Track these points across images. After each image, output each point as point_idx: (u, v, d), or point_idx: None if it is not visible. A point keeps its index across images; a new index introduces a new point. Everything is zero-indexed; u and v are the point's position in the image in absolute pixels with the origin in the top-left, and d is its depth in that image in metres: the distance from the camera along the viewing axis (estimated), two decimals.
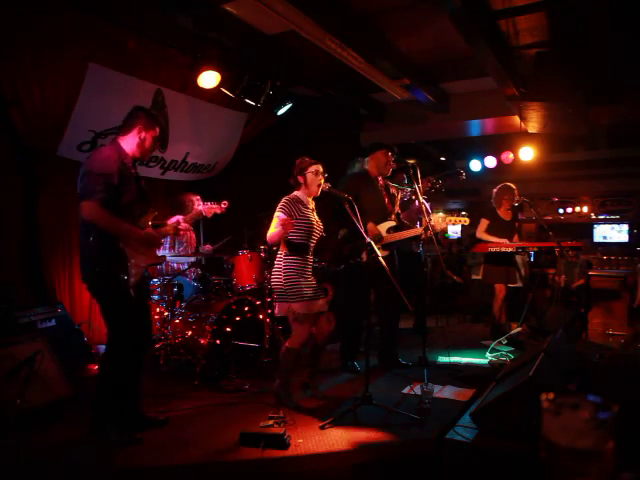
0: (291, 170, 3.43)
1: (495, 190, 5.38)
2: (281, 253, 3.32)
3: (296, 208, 3.27)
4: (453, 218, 4.22)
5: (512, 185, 5.31)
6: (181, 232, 3.11)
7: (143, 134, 2.85)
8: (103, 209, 2.62)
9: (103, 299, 2.79)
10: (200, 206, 3.27)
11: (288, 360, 3.28)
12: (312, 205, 3.44)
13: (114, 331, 2.79)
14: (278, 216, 3.22)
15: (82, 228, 2.71)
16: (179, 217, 3.16)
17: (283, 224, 3.07)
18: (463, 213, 4.43)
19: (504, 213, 5.33)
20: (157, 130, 2.92)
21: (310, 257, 3.36)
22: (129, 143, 2.85)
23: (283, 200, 3.29)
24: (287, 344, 3.29)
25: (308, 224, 3.30)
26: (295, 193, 3.39)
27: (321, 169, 3.36)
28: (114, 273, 2.69)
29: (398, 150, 4.33)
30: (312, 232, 3.33)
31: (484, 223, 5.31)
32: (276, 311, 3.35)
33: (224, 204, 3.33)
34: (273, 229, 3.20)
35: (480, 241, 5.35)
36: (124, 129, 2.87)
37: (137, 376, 2.93)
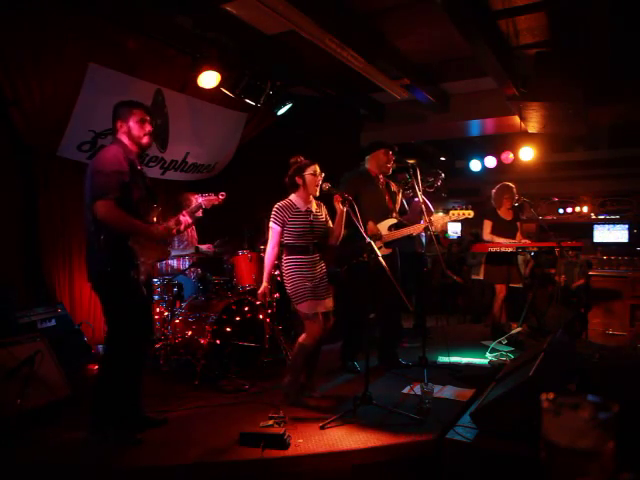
0: (287, 170, 3.41)
1: (494, 190, 5.38)
2: (284, 257, 3.39)
3: (287, 214, 3.32)
4: (456, 212, 4.19)
5: (511, 184, 5.31)
6: (182, 228, 3.12)
7: (125, 127, 2.79)
8: (119, 209, 2.59)
9: (110, 299, 2.76)
10: (200, 199, 3.29)
11: (300, 356, 3.34)
12: (313, 205, 3.43)
13: (117, 331, 2.77)
14: (272, 227, 3.35)
15: (91, 227, 2.66)
16: (184, 211, 3.18)
17: (259, 294, 3.41)
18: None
19: (505, 213, 5.32)
20: (135, 111, 2.79)
21: (313, 256, 3.37)
22: (125, 139, 2.82)
23: (274, 209, 3.35)
24: (300, 340, 3.34)
25: (301, 228, 3.32)
26: (290, 197, 3.41)
27: (318, 169, 3.36)
28: (125, 272, 2.67)
29: (398, 149, 4.33)
30: (308, 233, 3.34)
31: (488, 224, 5.28)
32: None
33: (222, 195, 3.35)
34: (267, 250, 3.38)
35: (481, 241, 5.34)
36: (113, 129, 2.84)
37: (138, 376, 2.92)
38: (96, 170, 2.63)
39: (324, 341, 3.50)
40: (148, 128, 2.84)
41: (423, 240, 5.16)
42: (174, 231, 3.09)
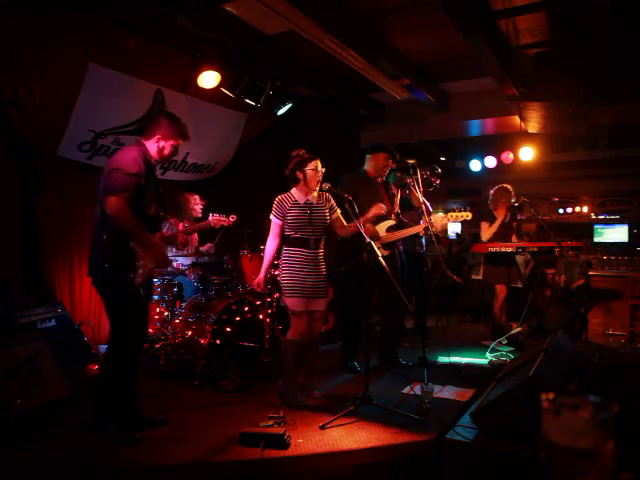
0: (287, 163, 3.41)
1: (492, 192, 5.36)
2: (283, 248, 3.42)
3: (285, 207, 3.34)
4: (455, 214, 4.18)
5: (509, 186, 5.29)
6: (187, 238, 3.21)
7: (162, 143, 2.86)
8: (128, 207, 2.64)
9: (108, 295, 2.81)
10: (210, 217, 3.38)
11: (289, 353, 3.33)
12: (313, 198, 3.39)
13: (116, 329, 2.80)
14: (272, 220, 3.41)
15: (97, 225, 2.74)
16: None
17: (254, 283, 3.48)
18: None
19: (501, 214, 5.31)
20: (178, 139, 2.91)
21: (316, 251, 3.35)
22: (151, 147, 2.88)
23: (274, 202, 3.40)
24: (287, 336, 3.36)
25: (298, 220, 3.31)
26: (290, 191, 3.41)
27: (320, 165, 3.35)
28: (122, 271, 2.71)
29: (399, 155, 4.32)
30: (307, 225, 3.32)
31: (485, 226, 5.29)
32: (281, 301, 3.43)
33: (232, 218, 3.43)
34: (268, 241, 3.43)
35: (481, 241, 5.34)
36: (147, 133, 2.89)
37: (133, 375, 2.93)
38: (116, 168, 2.68)
39: (323, 341, 3.50)
40: (175, 155, 3.00)
41: (423, 240, 5.14)
42: (179, 243, 3.16)
